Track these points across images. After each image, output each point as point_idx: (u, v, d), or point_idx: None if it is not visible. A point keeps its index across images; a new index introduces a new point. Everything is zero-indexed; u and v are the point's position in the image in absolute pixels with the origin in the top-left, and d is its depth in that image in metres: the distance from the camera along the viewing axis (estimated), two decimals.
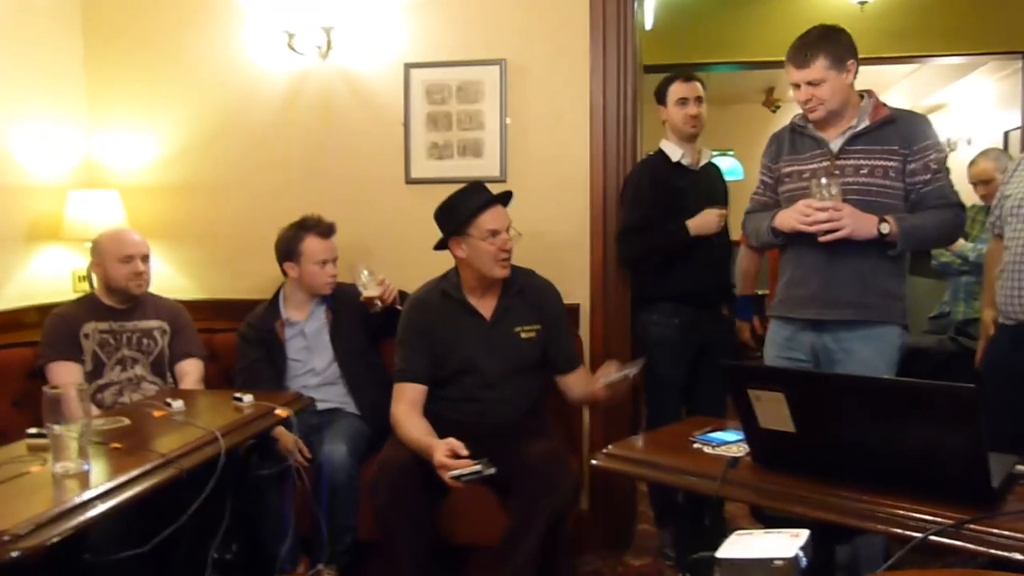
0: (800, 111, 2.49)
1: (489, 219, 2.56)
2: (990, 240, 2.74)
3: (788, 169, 2.52)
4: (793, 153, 2.52)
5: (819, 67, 2.34)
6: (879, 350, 2.37)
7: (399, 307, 2.80)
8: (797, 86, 2.40)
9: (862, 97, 2.45)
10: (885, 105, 2.45)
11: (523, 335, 2.65)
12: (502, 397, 2.62)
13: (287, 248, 2.93)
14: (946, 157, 2.46)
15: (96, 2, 3.48)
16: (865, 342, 2.37)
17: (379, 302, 2.82)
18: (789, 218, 2.38)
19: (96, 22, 3.48)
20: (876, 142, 2.38)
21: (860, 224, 2.27)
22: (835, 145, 2.42)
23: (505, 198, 2.64)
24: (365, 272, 2.83)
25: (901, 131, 2.38)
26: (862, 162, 2.38)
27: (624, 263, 3.10)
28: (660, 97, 3.11)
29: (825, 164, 2.42)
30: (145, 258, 2.87)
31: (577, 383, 2.70)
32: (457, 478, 2.26)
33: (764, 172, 2.65)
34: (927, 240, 2.46)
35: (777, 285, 2.57)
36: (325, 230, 2.93)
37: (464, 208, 2.58)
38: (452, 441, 2.31)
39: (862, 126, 2.40)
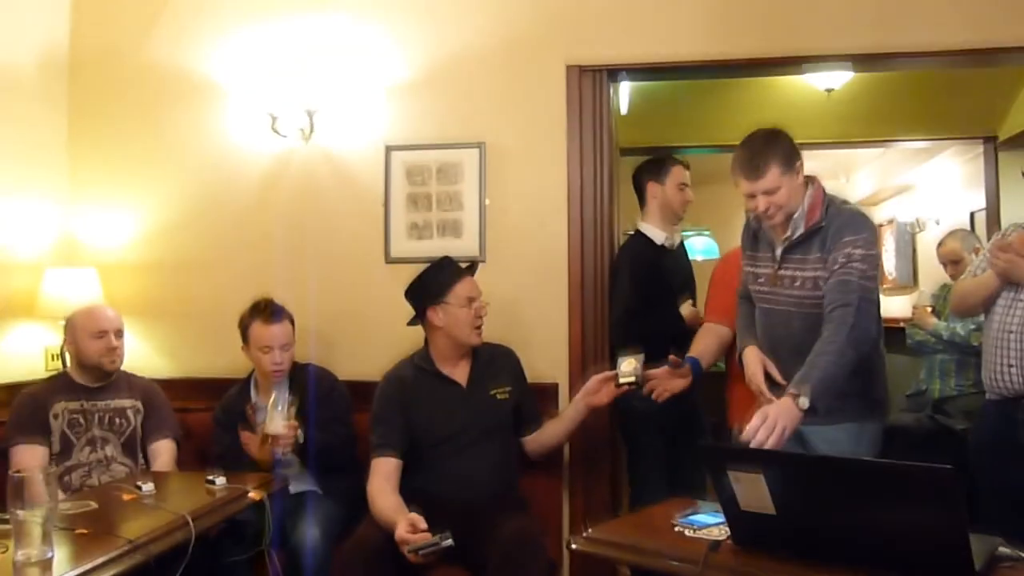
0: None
1: (465, 288, 2.70)
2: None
3: (747, 268, 2.52)
4: (753, 250, 2.51)
5: (773, 175, 2.26)
6: (848, 434, 2.33)
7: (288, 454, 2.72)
8: (752, 196, 2.31)
9: (806, 186, 2.36)
10: (826, 200, 2.35)
11: (499, 396, 2.74)
12: (480, 464, 2.62)
13: (241, 331, 2.91)
14: (865, 255, 2.24)
15: (83, 82, 3.53)
16: (835, 431, 2.33)
17: (271, 444, 2.62)
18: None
19: (82, 101, 3.53)
20: (806, 251, 2.34)
21: (786, 419, 2.05)
22: (778, 252, 2.39)
23: (473, 268, 2.79)
24: (281, 403, 2.65)
25: (824, 236, 2.30)
26: (796, 273, 2.35)
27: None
28: (657, 174, 3.19)
29: (769, 271, 2.42)
30: (119, 333, 2.84)
31: (546, 430, 2.81)
32: (415, 551, 2.26)
33: (748, 263, 2.56)
34: (840, 377, 2.17)
35: None
36: (269, 316, 2.84)
37: (440, 279, 2.71)
38: (412, 515, 2.35)
39: (797, 235, 2.34)
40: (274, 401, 2.66)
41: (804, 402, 2.09)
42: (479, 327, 2.72)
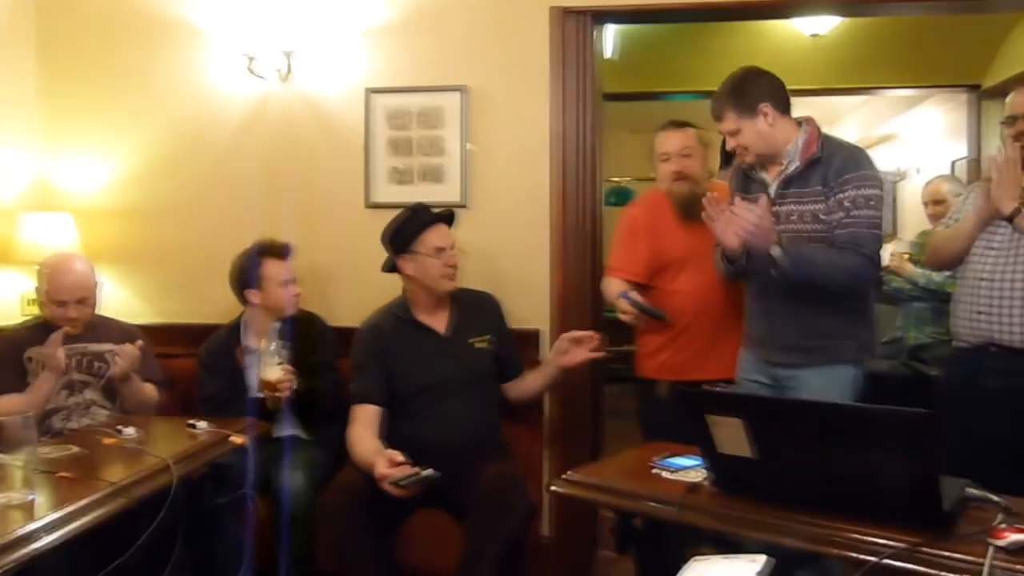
0: None
1: (434, 237, 2.67)
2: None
3: None
4: (745, 191, 2.49)
5: (730, 119, 2.36)
6: (830, 381, 2.36)
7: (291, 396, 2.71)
8: (725, 136, 2.43)
9: (800, 125, 2.40)
10: (821, 137, 2.39)
11: (477, 345, 2.74)
12: (462, 411, 2.65)
13: (245, 275, 2.90)
14: (870, 196, 2.29)
15: (52, 21, 3.43)
16: (815, 376, 2.37)
17: (272, 392, 2.62)
18: (723, 233, 2.28)
19: (51, 42, 3.43)
20: (804, 184, 2.36)
21: (760, 240, 2.20)
22: (772, 190, 2.41)
23: (448, 218, 2.75)
24: (274, 347, 2.66)
25: (824, 169, 2.34)
26: (792, 207, 2.37)
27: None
28: None
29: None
30: (83, 301, 2.76)
31: (525, 380, 2.83)
32: (397, 483, 2.29)
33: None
34: (813, 275, 2.27)
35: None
36: (281, 251, 2.92)
37: (410, 228, 2.68)
38: (389, 452, 2.38)
39: (792, 168, 2.37)
40: (267, 348, 2.67)
41: (776, 250, 2.20)
42: (450, 276, 2.70)
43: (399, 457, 2.36)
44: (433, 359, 2.69)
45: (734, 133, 2.38)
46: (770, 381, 2.49)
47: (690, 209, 2.65)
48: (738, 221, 2.20)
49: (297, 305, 2.94)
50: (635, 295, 2.66)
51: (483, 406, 2.73)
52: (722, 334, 2.71)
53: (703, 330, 2.74)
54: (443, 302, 2.76)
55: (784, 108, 2.40)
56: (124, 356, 2.69)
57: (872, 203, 2.29)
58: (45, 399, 2.66)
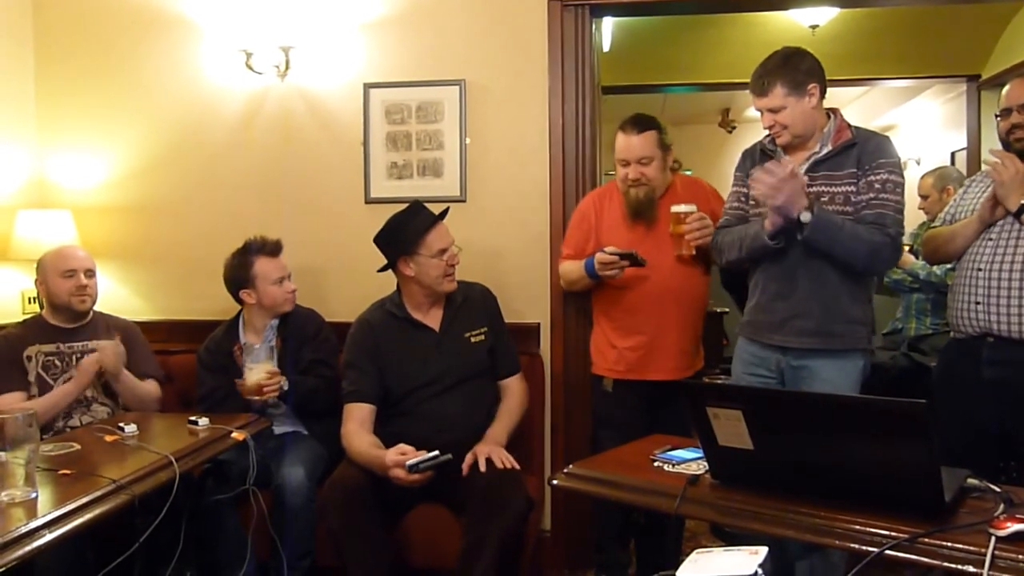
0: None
1: (436, 238, 2.64)
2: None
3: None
4: None
5: (778, 94, 2.32)
6: (842, 372, 2.37)
7: (277, 401, 2.75)
8: (762, 112, 2.39)
9: (829, 117, 2.42)
10: (851, 127, 2.41)
11: (473, 339, 2.73)
12: (457, 408, 2.63)
13: (238, 275, 2.89)
14: (898, 183, 2.34)
15: (48, 18, 3.42)
16: (828, 366, 2.37)
17: (256, 396, 2.63)
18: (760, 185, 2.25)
19: (48, 38, 3.42)
20: (837, 167, 2.36)
21: (791, 199, 2.21)
22: (800, 171, 2.34)
23: (444, 214, 2.72)
24: (258, 347, 2.68)
25: (859, 152, 2.36)
26: (823, 189, 2.35)
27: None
28: None
29: None
30: (89, 273, 2.81)
31: (511, 394, 2.78)
32: (414, 466, 2.30)
33: (740, 184, 2.56)
34: (837, 243, 2.26)
35: (746, 306, 2.58)
36: (272, 249, 2.91)
37: (410, 229, 2.64)
38: (400, 446, 2.39)
39: (824, 151, 2.38)
40: (252, 353, 2.66)
41: (807, 215, 2.21)
42: (451, 274, 2.68)
43: (409, 448, 2.37)
44: (427, 356, 2.67)
45: (777, 110, 2.34)
46: (774, 374, 2.47)
47: (641, 212, 2.74)
48: (767, 180, 2.20)
49: (293, 302, 2.93)
50: (610, 247, 2.66)
51: (479, 402, 2.71)
52: (663, 336, 2.73)
53: (648, 328, 2.75)
54: (439, 300, 2.74)
55: (824, 93, 2.40)
56: (102, 350, 2.70)
57: (899, 190, 2.34)
58: (67, 403, 2.68)
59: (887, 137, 2.46)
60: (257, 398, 2.65)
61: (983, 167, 2.57)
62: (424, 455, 2.32)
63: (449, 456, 2.33)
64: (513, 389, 2.80)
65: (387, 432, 2.57)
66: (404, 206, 2.75)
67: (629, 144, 2.72)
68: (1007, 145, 2.43)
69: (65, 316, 2.81)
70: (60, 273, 2.77)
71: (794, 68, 2.34)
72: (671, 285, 2.72)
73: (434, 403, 2.63)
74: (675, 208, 2.62)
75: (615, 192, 2.83)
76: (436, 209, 2.74)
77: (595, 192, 2.96)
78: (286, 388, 2.71)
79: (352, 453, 2.55)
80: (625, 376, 2.78)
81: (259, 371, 2.64)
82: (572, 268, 2.85)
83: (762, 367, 2.49)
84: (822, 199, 2.34)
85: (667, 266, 2.69)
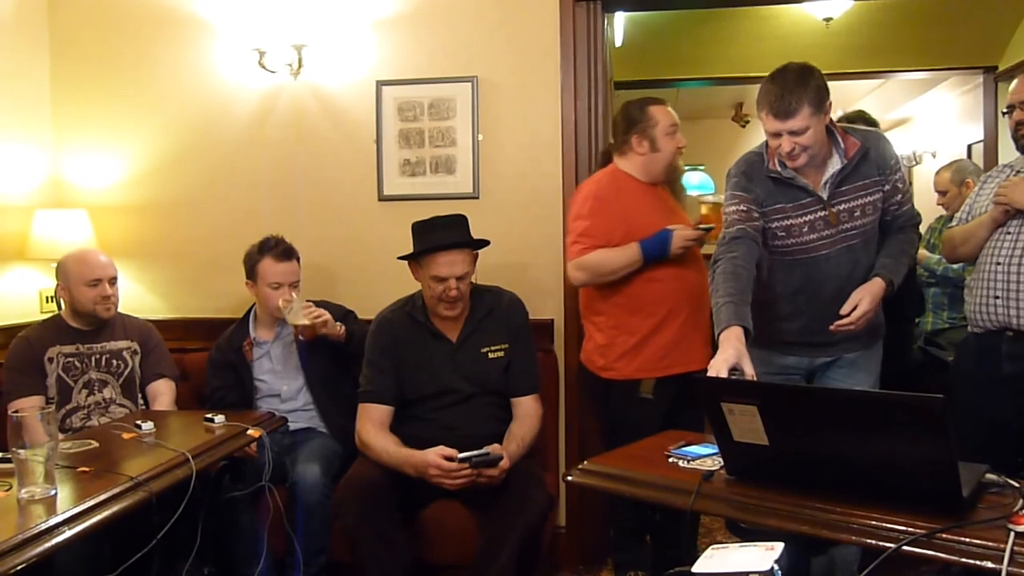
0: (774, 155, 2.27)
1: (436, 265, 2.54)
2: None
3: (782, 223, 2.30)
4: (780, 202, 2.29)
5: (804, 115, 2.12)
6: (870, 360, 2.43)
7: (337, 332, 2.78)
8: (776, 135, 2.17)
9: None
10: (846, 131, 2.29)
11: (490, 355, 2.64)
12: (471, 418, 2.60)
13: (248, 267, 2.92)
14: (904, 175, 2.43)
15: (63, 19, 3.44)
16: (861, 355, 2.40)
17: (302, 336, 2.75)
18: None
19: (63, 39, 3.44)
20: (858, 178, 2.27)
21: (873, 298, 2.24)
22: (824, 193, 2.26)
23: (476, 244, 2.62)
24: (293, 297, 2.76)
25: (873, 157, 2.28)
26: (852, 204, 2.27)
27: None
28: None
29: (823, 214, 2.27)
30: (112, 280, 2.82)
31: (523, 416, 2.63)
32: (467, 460, 2.33)
33: (744, 202, 2.29)
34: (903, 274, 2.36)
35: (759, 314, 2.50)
36: (281, 253, 2.88)
37: (425, 239, 2.59)
38: (443, 448, 2.38)
39: (842, 165, 2.25)
40: (285, 300, 2.74)
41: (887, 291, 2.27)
42: (448, 304, 2.56)
43: (449, 451, 2.37)
44: (440, 367, 2.61)
45: (801, 132, 2.14)
46: (800, 372, 2.42)
47: (677, 181, 2.81)
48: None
49: (281, 313, 2.82)
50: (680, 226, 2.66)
51: (493, 414, 2.64)
52: (697, 323, 2.70)
53: (681, 318, 2.67)
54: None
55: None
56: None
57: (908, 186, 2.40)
58: None
59: (882, 134, 2.45)
60: (312, 329, 2.72)
61: (999, 166, 2.56)
62: (477, 451, 2.34)
63: (502, 455, 2.34)
64: (527, 411, 2.65)
65: (401, 434, 2.57)
66: (416, 203, 2.74)
67: (673, 114, 2.72)
68: (1017, 142, 2.42)
69: (85, 320, 2.82)
70: (85, 282, 2.75)
71: (815, 86, 2.14)
72: (700, 267, 2.72)
73: (447, 413, 2.60)
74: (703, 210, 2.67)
75: (619, 175, 2.75)
76: (452, 209, 2.71)
77: (597, 180, 2.79)
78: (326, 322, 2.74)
79: (374, 452, 2.52)
80: (666, 372, 2.65)
81: (298, 314, 2.70)
82: (612, 256, 2.62)
83: (788, 365, 2.42)
84: (855, 214, 2.28)
85: (692, 250, 2.70)
